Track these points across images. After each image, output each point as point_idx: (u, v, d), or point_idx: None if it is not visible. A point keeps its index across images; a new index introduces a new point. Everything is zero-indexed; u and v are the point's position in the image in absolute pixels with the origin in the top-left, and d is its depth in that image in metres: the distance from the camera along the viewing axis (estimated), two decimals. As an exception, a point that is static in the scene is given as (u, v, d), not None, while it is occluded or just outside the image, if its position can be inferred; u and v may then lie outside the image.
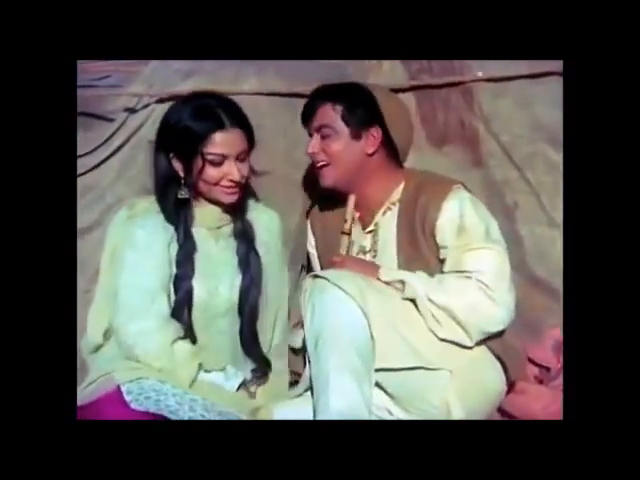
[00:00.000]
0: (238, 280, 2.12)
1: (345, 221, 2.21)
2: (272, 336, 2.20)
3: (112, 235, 2.13)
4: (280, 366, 2.17)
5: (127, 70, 2.68)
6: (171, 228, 2.08)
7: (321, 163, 2.20)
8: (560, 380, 2.21)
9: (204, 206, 2.12)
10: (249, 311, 2.12)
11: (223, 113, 2.04)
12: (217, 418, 1.91)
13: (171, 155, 2.06)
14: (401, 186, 2.21)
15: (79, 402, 1.86)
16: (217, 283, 2.10)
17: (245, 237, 2.15)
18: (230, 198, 2.09)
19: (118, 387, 1.91)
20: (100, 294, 2.12)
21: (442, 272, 2.10)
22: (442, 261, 2.11)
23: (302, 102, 2.55)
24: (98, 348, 2.08)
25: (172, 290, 2.05)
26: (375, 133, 2.17)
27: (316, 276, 2.03)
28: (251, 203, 2.23)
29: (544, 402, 2.15)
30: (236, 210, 2.15)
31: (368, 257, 2.21)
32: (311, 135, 2.22)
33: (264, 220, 2.21)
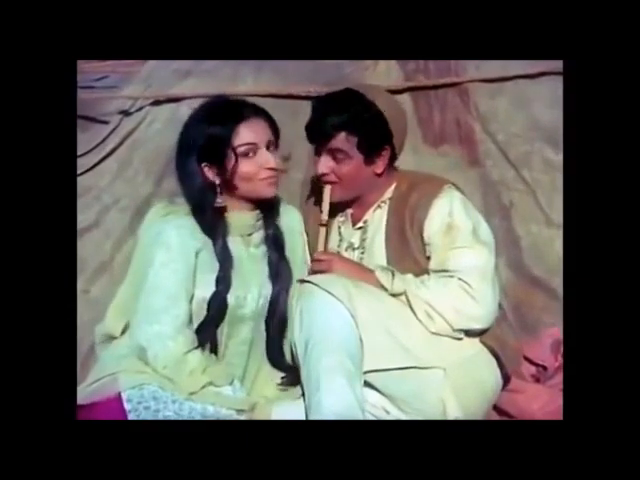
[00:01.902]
0: (266, 289, 2.09)
1: (321, 212, 2.19)
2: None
3: (145, 230, 2.06)
4: None
5: (125, 71, 2.68)
6: (205, 235, 2.04)
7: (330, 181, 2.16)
8: (557, 379, 2.21)
9: (238, 212, 2.07)
10: (278, 321, 2.10)
11: (241, 107, 2.04)
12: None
13: (203, 165, 2.01)
14: (393, 186, 2.20)
15: (80, 401, 1.83)
16: (246, 292, 2.06)
17: (276, 244, 2.12)
18: (271, 190, 2.05)
19: (119, 393, 1.88)
20: (128, 286, 2.06)
21: (429, 270, 2.09)
22: (429, 258, 2.10)
23: (299, 102, 2.57)
24: (111, 339, 2.05)
25: (204, 301, 2.01)
26: (385, 153, 2.14)
27: (304, 281, 2.02)
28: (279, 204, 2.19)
29: (542, 401, 2.15)
30: (267, 212, 2.12)
31: (356, 254, 2.19)
32: (319, 153, 2.16)
33: (286, 221, 2.18)
